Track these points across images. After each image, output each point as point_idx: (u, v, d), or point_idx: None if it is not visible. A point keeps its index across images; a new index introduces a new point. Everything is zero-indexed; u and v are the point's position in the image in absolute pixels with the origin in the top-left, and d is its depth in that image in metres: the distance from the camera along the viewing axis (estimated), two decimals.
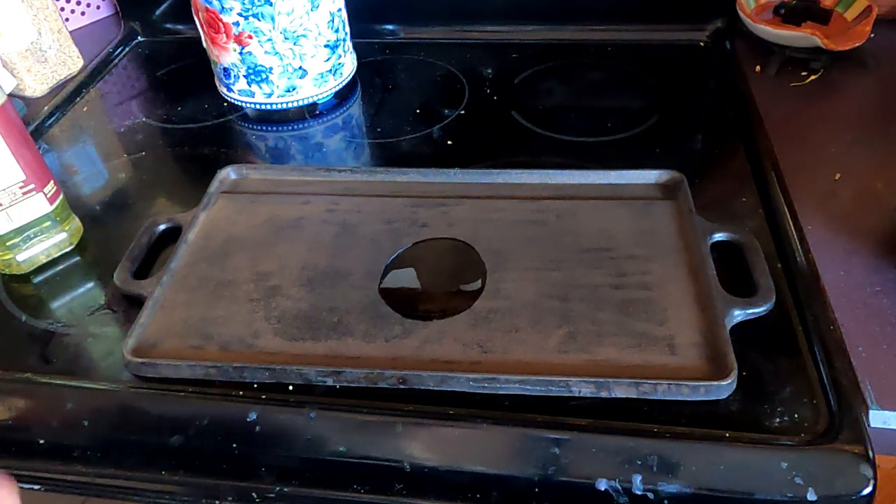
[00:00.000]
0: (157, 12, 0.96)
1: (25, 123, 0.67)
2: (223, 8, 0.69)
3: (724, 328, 0.47)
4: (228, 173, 0.67)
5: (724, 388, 0.44)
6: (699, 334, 0.48)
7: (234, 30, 0.71)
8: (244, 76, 0.74)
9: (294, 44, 0.72)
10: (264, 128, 0.78)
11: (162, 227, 0.61)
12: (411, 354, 0.49)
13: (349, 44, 0.80)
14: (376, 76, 0.84)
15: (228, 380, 0.48)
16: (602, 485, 0.42)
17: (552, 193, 0.62)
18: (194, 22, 0.75)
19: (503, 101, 0.77)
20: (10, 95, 0.81)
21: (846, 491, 0.41)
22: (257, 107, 0.76)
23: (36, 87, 0.83)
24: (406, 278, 0.55)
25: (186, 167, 0.74)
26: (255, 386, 0.48)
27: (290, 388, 0.48)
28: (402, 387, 0.47)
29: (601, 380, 0.45)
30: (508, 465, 0.44)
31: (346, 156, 0.73)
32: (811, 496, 0.40)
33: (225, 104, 0.80)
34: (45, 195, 0.58)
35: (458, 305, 0.52)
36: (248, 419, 0.47)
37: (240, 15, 0.69)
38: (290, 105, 0.76)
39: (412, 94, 0.80)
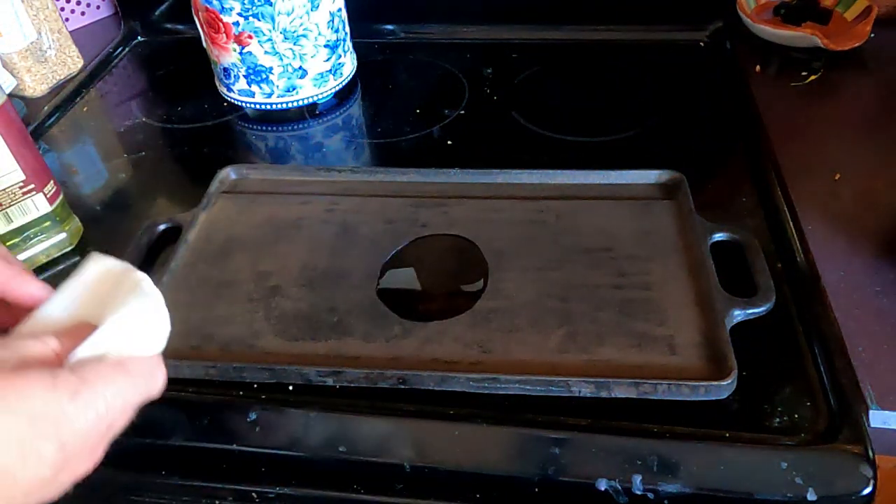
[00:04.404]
0: (157, 12, 0.96)
1: (25, 123, 0.67)
2: (223, 8, 0.69)
3: (724, 328, 0.47)
4: (228, 173, 0.67)
5: (724, 388, 0.44)
6: (699, 334, 0.48)
7: (234, 30, 0.71)
8: (244, 76, 0.74)
9: (294, 44, 0.72)
10: (264, 128, 0.78)
11: (162, 227, 0.61)
12: (411, 354, 0.49)
13: (349, 44, 0.80)
14: (376, 76, 0.84)
15: (228, 380, 0.48)
16: (602, 485, 0.42)
17: (552, 193, 0.62)
18: (194, 22, 0.75)
19: (503, 101, 0.77)
20: (10, 95, 0.81)
21: (846, 491, 0.41)
22: (257, 107, 0.76)
23: (36, 87, 0.83)
24: (406, 278, 0.55)
25: (186, 167, 0.74)
26: (255, 386, 0.48)
27: (290, 388, 0.48)
28: (402, 387, 0.47)
29: (601, 380, 0.45)
30: (508, 465, 0.44)
31: (346, 156, 0.73)
32: (811, 496, 0.40)
33: (225, 104, 0.80)
34: (45, 195, 0.58)
35: (458, 305, 0.52)
36: (248, 419, 0.47)
37: (240, 15, 0.69)
38: (290, 105, 0.76)
39: (412, 94, 0.80)
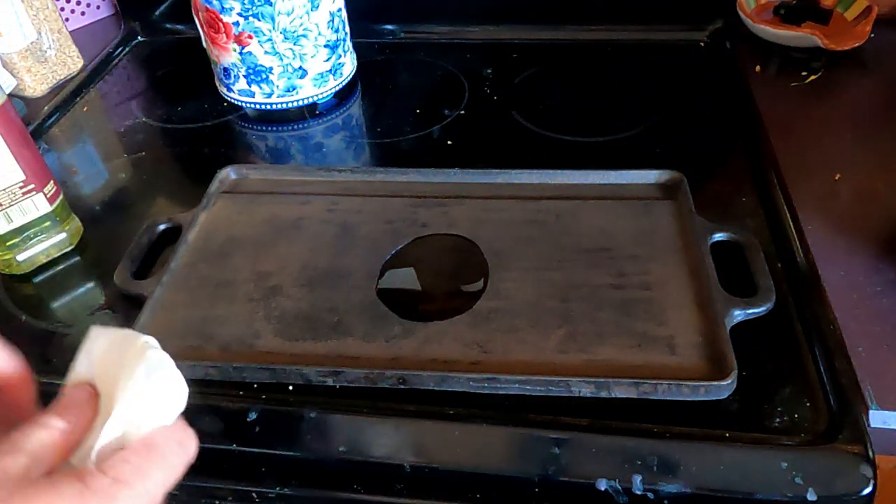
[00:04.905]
0: (157, 12, 0.96)
1: (25, 123, 0.67)
2: (223, 8, 0.69)
3: (724, 328, 0.47)
4: (228, 173, 0.67)
5: (724, 388, 0.44)
6: (699, 334, 0.48)
7: (234, 30, 0.71)
8: (244, 76, 0.74)
9: (294, 44, 0.72)
10: (264, 128, 0.78)
11: (162, 227, 0.61)
12: (411, 354, 0.49)
13: (349, 44, 0.80)
14: (376, 76, 0.84)
15: (228, 380, 0.48)
16: (602, 485, 0.42)
17: (552, 193, 0.62)
18: (194, 22, 0.75)
19: (503, 101, 0.77)
20: (10, 95, 0.81)
21: (846, 491, 0.41)
22: (257, 107, 0.76)
23: (36, 87, 0.83)
24: (406, 278, 0.55)
25: (186, 167, 0.74)
26: (255, 386, 0.48)
27: (290, 388, 0.48)
28: (402, 387, 0.47)
29: (601, 380, 0.45)
30: (508, 465, 0.44)
31: (346, 156, 0.73)
32: (811, 496, 0.41)
33: (225, 104, 0.80)
34: (45, 195, 0.58)
35: (458, 305, 0.52)
36: (248, 419, 0.47)
37: (240, 15, 0.69)
38: (290, 105, 0.76)
39: (412, 94, 0.80)
